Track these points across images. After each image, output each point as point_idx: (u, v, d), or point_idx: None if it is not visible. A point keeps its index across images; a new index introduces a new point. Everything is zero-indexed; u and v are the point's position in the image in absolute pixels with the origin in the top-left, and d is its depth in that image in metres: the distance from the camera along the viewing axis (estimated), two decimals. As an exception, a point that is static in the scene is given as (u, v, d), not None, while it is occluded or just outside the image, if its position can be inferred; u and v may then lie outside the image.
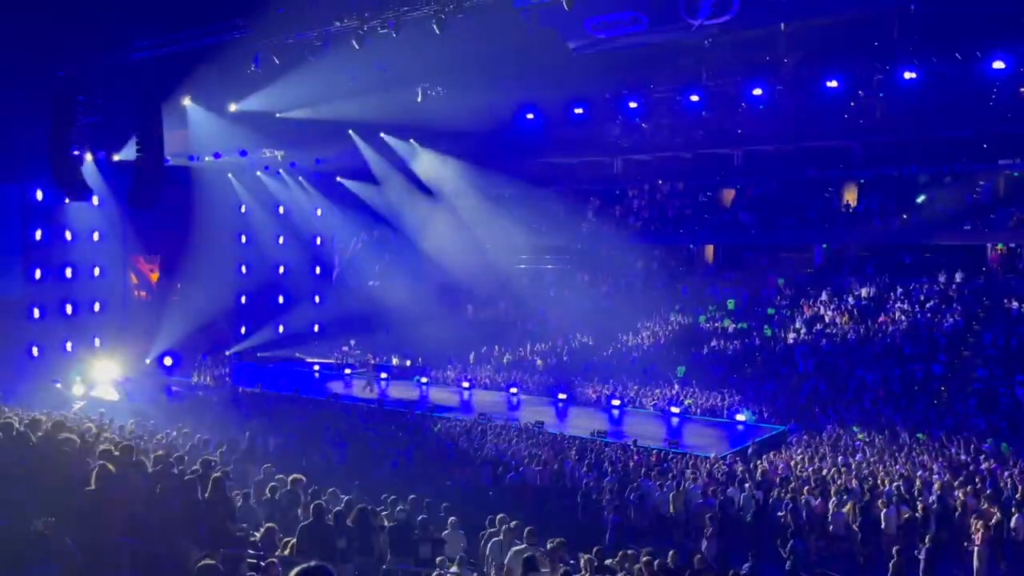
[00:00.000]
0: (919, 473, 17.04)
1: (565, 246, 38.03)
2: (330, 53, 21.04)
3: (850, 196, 33.12)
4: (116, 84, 23.33)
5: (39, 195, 27.66)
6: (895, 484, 15.72)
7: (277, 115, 30.54)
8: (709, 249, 36.54)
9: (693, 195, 36.74)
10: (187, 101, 27.47)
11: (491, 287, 36.62)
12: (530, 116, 36.24)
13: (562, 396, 26.75)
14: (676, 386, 26.85)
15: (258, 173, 33.48)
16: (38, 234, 27.94)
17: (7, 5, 19.89)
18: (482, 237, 36.96)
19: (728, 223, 34.59)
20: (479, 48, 24.93)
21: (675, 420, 24.29)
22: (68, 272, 28.92)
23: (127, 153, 25.65)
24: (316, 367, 32.36)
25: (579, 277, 37.35)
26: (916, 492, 15.47)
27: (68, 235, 28.93)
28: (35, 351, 27.90)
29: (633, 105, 33.85)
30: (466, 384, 28.98)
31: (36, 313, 28.00)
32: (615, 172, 39.61)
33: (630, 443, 19.73)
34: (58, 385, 26.24)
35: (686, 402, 25.38)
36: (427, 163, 36.08)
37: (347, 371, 31.93)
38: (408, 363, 32.64)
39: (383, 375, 30.40)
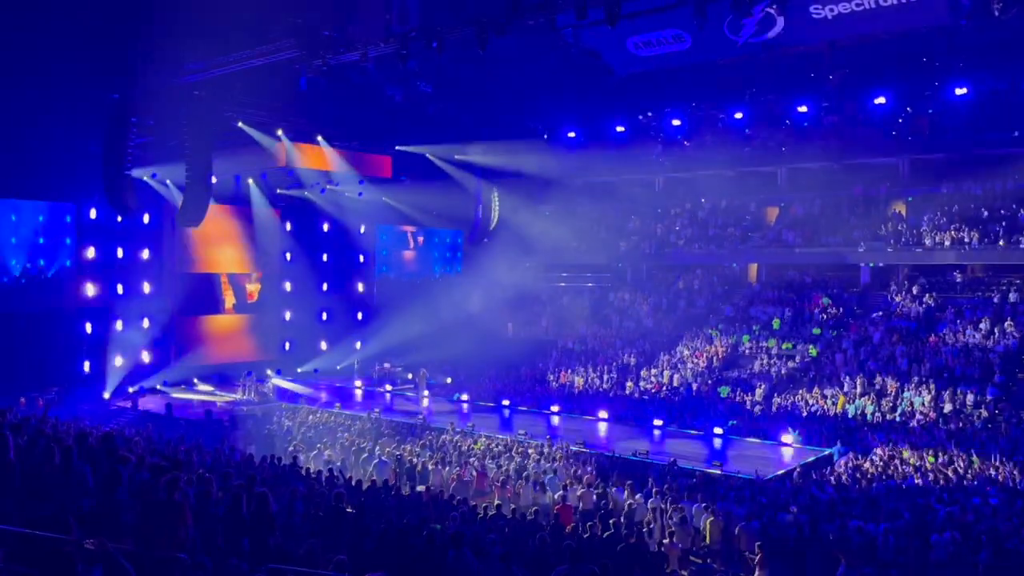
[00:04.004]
0: (972, 499, 16.56)
1: (606, 264, 37.89)
2: (375, 73, 21.38)
3: (898, 214, 32.51)
4: (167, 106, 23.99)
5: (93, 213, 28.45)
6: (947, 510, 15.30)
7: (318, 137, 31.06)
8: (752, 268, 36.11)
9: (736, 213, 36.40)
10: (240, 123, 28.06)
11: (531, 305, 36.61)
12: (572, 134, 36.37)
13: (603, 415, 26.58)
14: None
15: (306, 193, 33.97)
16: (91, 251, 28.72)
17: (63, 31, 20.56)
18: (523, 255, 37.02)
19: (772, 241, 34.18)
20: (522, 66, 25.11)
21: (719, 441, 23.97)
22: (119, 288, 29.66)
23: (177, 173, 26.31)
24: (357, 383, 32.58)
25: (620, 296, 37.17)
26: (970, 518, 15.02)
27: (120, 252, 29.68)
28: (87, 366, 28.60)
29: (676, 123, 33.75)
30: (506, 402, 28.93)
31: (88, 328, 28.71)
32: (657, 190, 39.44)
33: (669, 463, 19.51)
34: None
35: (730, 423, 25.05)
36: (469, 181, 36.30)
37: (387, 387, 32.12)
38: (449, 380, 32.74)
39: (425, 392, 30.53)
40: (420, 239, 40.70)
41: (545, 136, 34.50)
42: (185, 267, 31.77)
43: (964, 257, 29.68)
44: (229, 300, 33.86)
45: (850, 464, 20.49)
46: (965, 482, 18.08)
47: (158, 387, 30.06)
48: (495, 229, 36.41)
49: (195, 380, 31.70)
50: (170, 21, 19.15)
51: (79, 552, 4.99)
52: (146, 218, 29.70)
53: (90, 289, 28.68)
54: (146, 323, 30.54)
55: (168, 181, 28.88)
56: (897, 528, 14.31)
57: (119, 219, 28.24)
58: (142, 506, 7.06)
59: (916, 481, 18.29)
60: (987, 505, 15.79)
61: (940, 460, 20.08)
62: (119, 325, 29.65)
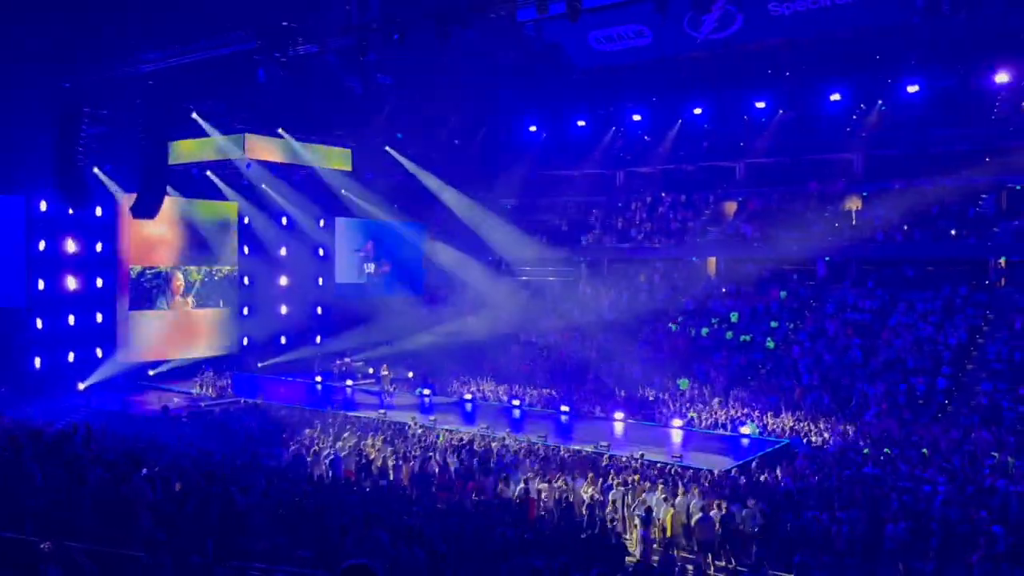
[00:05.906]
0: (924, 487, 16.99)
1: (567, 258, 38.01)
2: (335, 64, 21.18)
3: (852, 209, 33.12)
4: (122, 96, 23.46)
5: (43, 205, 27.72)
6: (900, 498, 15.68)
7: (278, 129, 30.65)
8: (711, 261, 36.52)
9: (695, 207, 36.77)
10: (197, 114, 27.55)
11: (493, 299, 36.59)
12: (533, 128, 36.43)
13: (565, 410, 26.69)
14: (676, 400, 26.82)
15: (263, 186, 33.44)
16: (42, 244, 27.98)
17: (14, 18, 19.98)
18: (484, 249, 36.98)
19: (731, 235, 34.60)
20: (483, 60, 25.06)
21: (677, 433, 24.21)
22: (72, 282, 28.98)
23: (132, 164, 25.79)
24: (318, 379, 32.28)
25: (581, 289, 37.34)
26: (921, 507, 15.42)
27: (71, 245, 28.99)
28: (37, 362, 27.92)
29: (636, 118, 34.02)
30: (468, 397, 28.89)
31: (39, 324, 28.02)
32: (617, 184, 39.66)
33: (635, 456, 19.68)
34: None
35: (690, 415, 25.33)
36: (430, 175, 36.12)
37: (348, 382, 31.86)
38: (411, 374, 32.58)
39: (391, 387, 30.29)
40: (375, 242, 40.14)
41: (507, 129, 34.54)
42: (140, 260, 31.07)
43: (916, 252, 30.37)
44: (186, 294, 33.22)
45: (806, 455, 20.85)
46: (917, 471, 18.52)
47: (106, 377, 29.36)
48: (457, 223, 36.27)
49: (151, 374, 31.12)
50: (124, 9, 18.74)
51: (37, 551, 4.89)
52: (99, 210, 28.99)
53: (40, 283, 27.95)
54: (99, 317, 29.88)
55: (122, 172, 28.26)
56: (852, 518, 14.64)
57: (71, 211, 27.57)
58: (97, 503, 6.94)
59: (870, 471, 18.69)
60: (938, 493, 16.21)
61: (893, 450, 20.54)
62: (71, 319, 28.98)
